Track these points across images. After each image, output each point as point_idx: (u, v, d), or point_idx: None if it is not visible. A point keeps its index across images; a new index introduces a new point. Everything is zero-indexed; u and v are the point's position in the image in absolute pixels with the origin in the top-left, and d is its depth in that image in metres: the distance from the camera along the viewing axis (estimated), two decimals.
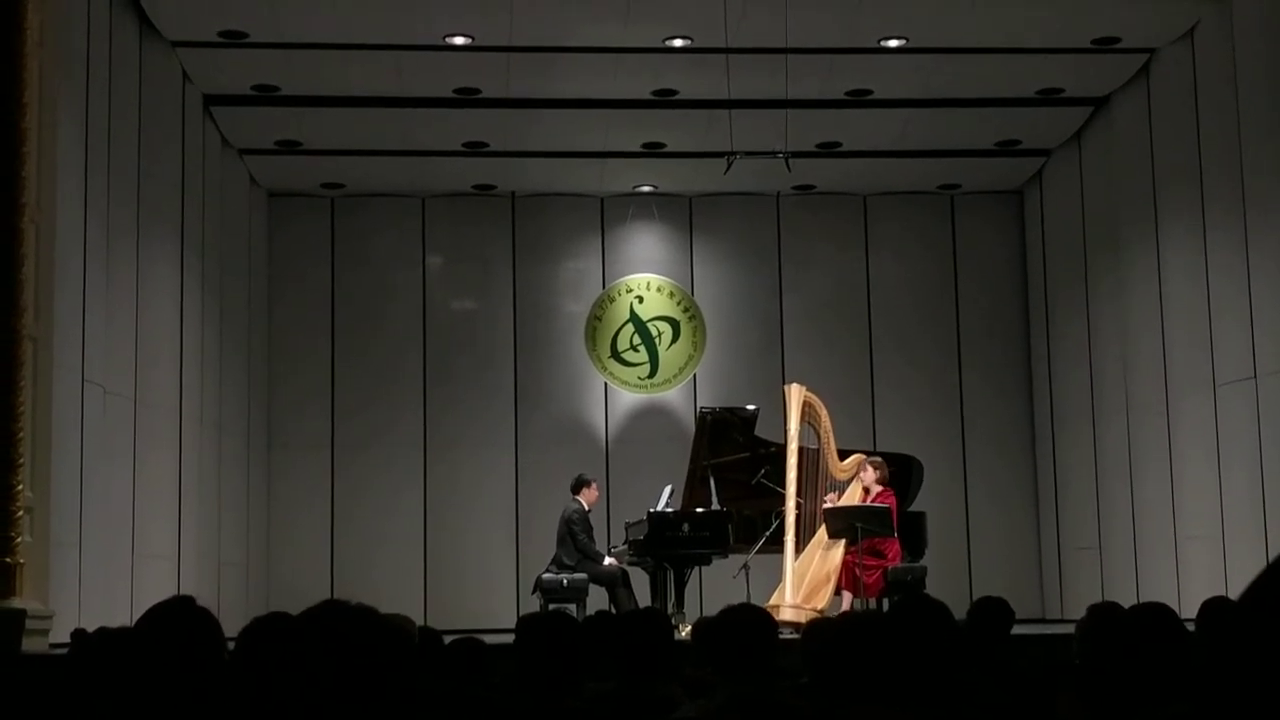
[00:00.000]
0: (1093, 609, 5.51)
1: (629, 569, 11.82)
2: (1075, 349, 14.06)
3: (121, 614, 9.70)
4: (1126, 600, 6.20)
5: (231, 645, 3.15)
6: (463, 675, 4.66)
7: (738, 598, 9.65)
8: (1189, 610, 6.17)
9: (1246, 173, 10.80)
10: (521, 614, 4.61)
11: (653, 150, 14.05)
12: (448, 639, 5.10)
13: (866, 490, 11.32)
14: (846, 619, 4.16)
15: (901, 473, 11.87)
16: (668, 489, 11.62)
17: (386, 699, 2.28)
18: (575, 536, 11.78)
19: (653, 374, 15.23)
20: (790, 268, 15.32)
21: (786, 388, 11.79)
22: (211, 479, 12.62)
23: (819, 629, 3.84)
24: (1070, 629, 6.28)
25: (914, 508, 11.93)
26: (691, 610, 11.17)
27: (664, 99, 12.88)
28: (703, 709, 3.62)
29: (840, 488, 11.50)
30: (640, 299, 15.31)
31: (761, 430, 11.87)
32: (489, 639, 5.23)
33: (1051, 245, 14.71)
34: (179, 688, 2.86)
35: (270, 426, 14.67)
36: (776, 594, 11.10)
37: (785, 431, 11.55)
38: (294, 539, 14.58)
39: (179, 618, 2.98)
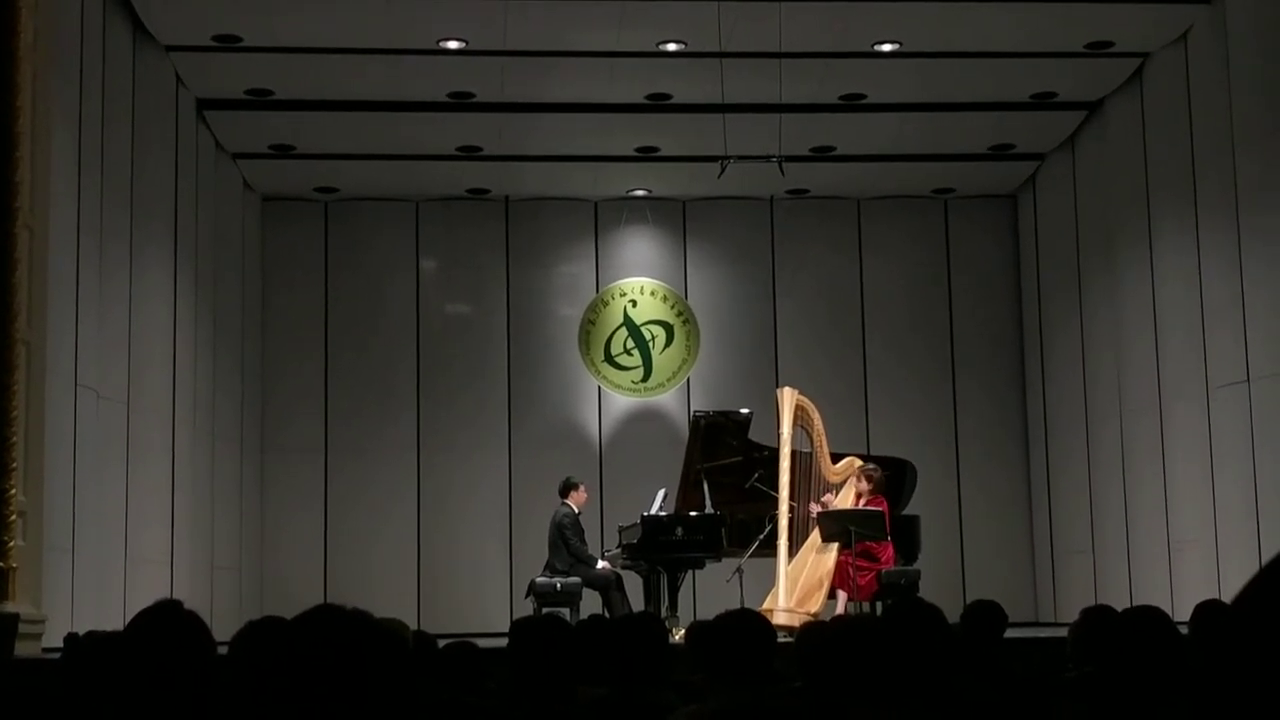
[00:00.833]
0: (1086, 612, 5.52)
1: (622, 573, 11.81)
2: (1068, 353, 14.07)
3: (114, 619, 9.68)
4: (1119, 603, 6.20)
5: (224, 649, 3.14)
6: (456, 680, 4.66)
7: (731, 601, 9.65)
8: (1182, 613, 6.17)
9: (1239, 177, 10.82)
10: (515, 618, 4.61)
11: (647, 154, 14.06)
12: (441, 643, 5.10)
13: (859, 496, 11.32)
14: (840, 622, 4.16)
15: (895, 476, 11.87)
16: (661, 493, 11.62)
17: (380, 703, 2.28)
18: (567, 541, 11.78)
19: (646, 378, 15.23)
20: (784, 272, 15.33)
21: (780, 391, 11.79)
22: (205, 483, 12.61)
23: (813, 633, 3.83)
24: (1063, 632, 6.28)
25: (907, 511, 11.92)
26: (685, 614, 11.17)
27: (658, 103, 12.89)
28: (696, 713, 3.62)
29: (836, 490, 11.50)
30: (634, 303, 15.31)
31: (755, 434, 11.87)
32: (483, 643, 5.23)
33: (1045, 249, 14.72)
34: (168, 692, 2.86)
35: (263, 430, 14.66)
36: (770, 598, 11.10)
37: (778, 435, 11.55)
38: (287, 543, 14.57)
39: (166, 622, 2.98)
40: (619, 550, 11.72)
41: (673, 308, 15.33)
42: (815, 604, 10.95)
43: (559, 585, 11.60)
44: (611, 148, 13.89)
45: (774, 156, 11.68)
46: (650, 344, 15.26)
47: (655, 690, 4.18)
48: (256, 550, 14.30)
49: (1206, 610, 5.14)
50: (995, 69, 12.32)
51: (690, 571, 11.61)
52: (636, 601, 11.67)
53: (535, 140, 13.65)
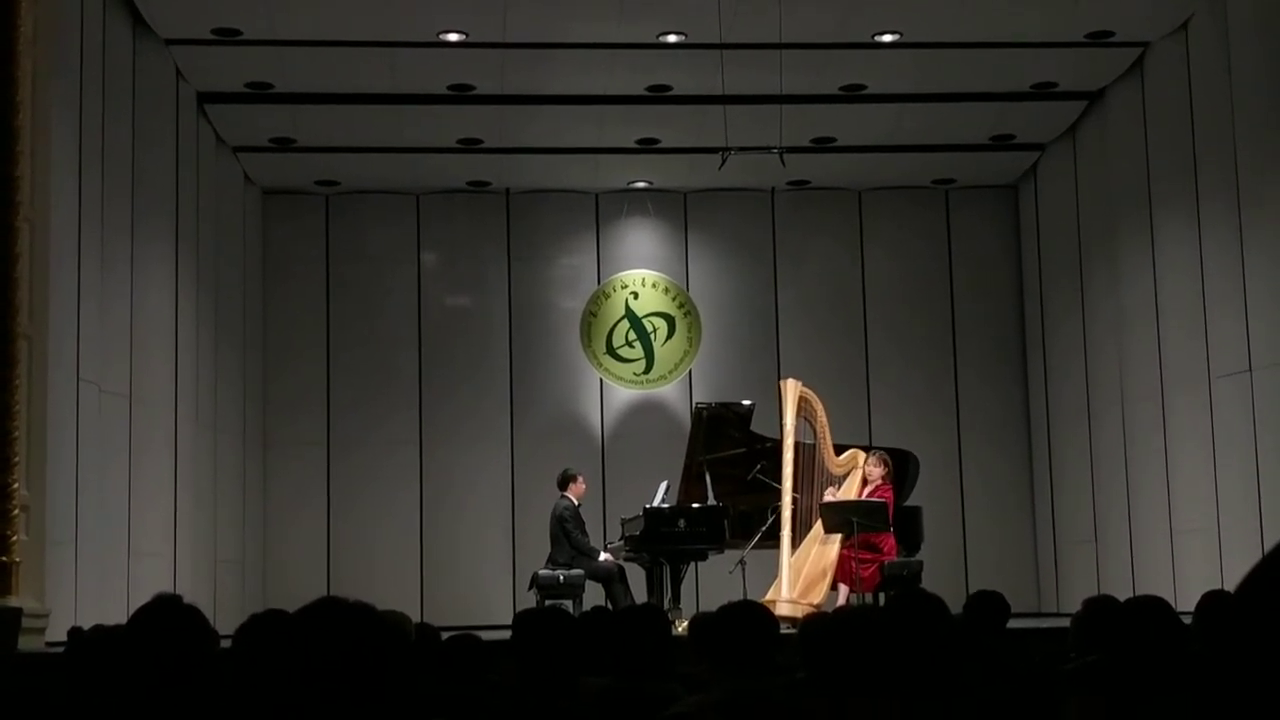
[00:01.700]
0: (1088, 602, 5.52)
1: (625, 565, 11.82)
2: (1070, 343, 14.06)
3: (117, 612, 9.69)
4: (1122, 593, 6.20)
5: (228, 643, 3.15)
6: (459, 672, 4.66)
7: (734, 593, 9.66)
8: (1185, 603, 6.18)
9: (1241, 166, 10.81)
10: (518, 610, 4.61)
11: (647, 146, 14.05)
12: (444, 635, 5.10)
13: (867, 482, 11.32)
14: (843, 614, 4.16)
15: (897, 467, 11.87)
16: (664, 485, 11.62)
17: (383, 696, 2.28)
18: (568, 534, 11.78)
19: (648, 370, 15.23)
20: (785, 263, 15.33)
21: (782, 383, 11.80)
22: (207, 476, 12.62)
23: (815, 624, 3.84)
24: (1066, 622, 6.29)
25: (910, 502, 11.93)
26: (688, 606, 11.19)
27: (658, 95, 12.88)
28: (699, 704, 3.62)
29: (839, 482, 11.50)
30: (635, 295, 15.31)
31: (757, 425, 11.87)
32: (486, 635, 5.24)
33: (1046, 239, 14.71)
34: (170, 685, 2.86)
35: (265, 423, 14.66)
36: (773, 589, 11.10)
37: (781, 427, 11.56)
38: (290, 536, 14.58)
39: (166, 617, 2.98)
40: (621, 542, 11.72)
41: (674, 299, 15.33)
42: (818, 595, 10.95)
43: (562, 577, 11.60)
44: (612, 139, 13.88)
45: (775, 148, 11.67)
46: (652, 336, 15.26)
47: (658, 682, 4.18)
48: (259, 544, 14.31)
49: (1212, 600, 5.14)
50: (996, 59, 12.31)
51: (693, 563, 11.61)
52: (639, 593, 11.68)
53: (535, 132, 13.64)
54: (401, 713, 2.40)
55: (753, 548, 11.29)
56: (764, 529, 11.33)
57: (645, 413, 15.10)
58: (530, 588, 11.81)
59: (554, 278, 15.26)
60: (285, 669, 2.28)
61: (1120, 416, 12.96)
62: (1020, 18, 11.47)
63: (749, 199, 15.22)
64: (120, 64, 10.76)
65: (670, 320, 15.30)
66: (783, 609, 10.61)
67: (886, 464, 11.39)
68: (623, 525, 11.88)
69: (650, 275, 15.33)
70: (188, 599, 3.02)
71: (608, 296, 15.28)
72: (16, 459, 8.26)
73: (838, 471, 11.51)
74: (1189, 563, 11.58)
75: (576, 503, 11.99)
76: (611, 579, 11.73)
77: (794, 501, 11.32)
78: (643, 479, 12.51)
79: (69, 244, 9.44)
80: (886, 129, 13.70)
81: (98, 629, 4.86)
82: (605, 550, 12.01)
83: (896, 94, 13.05)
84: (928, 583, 10.53)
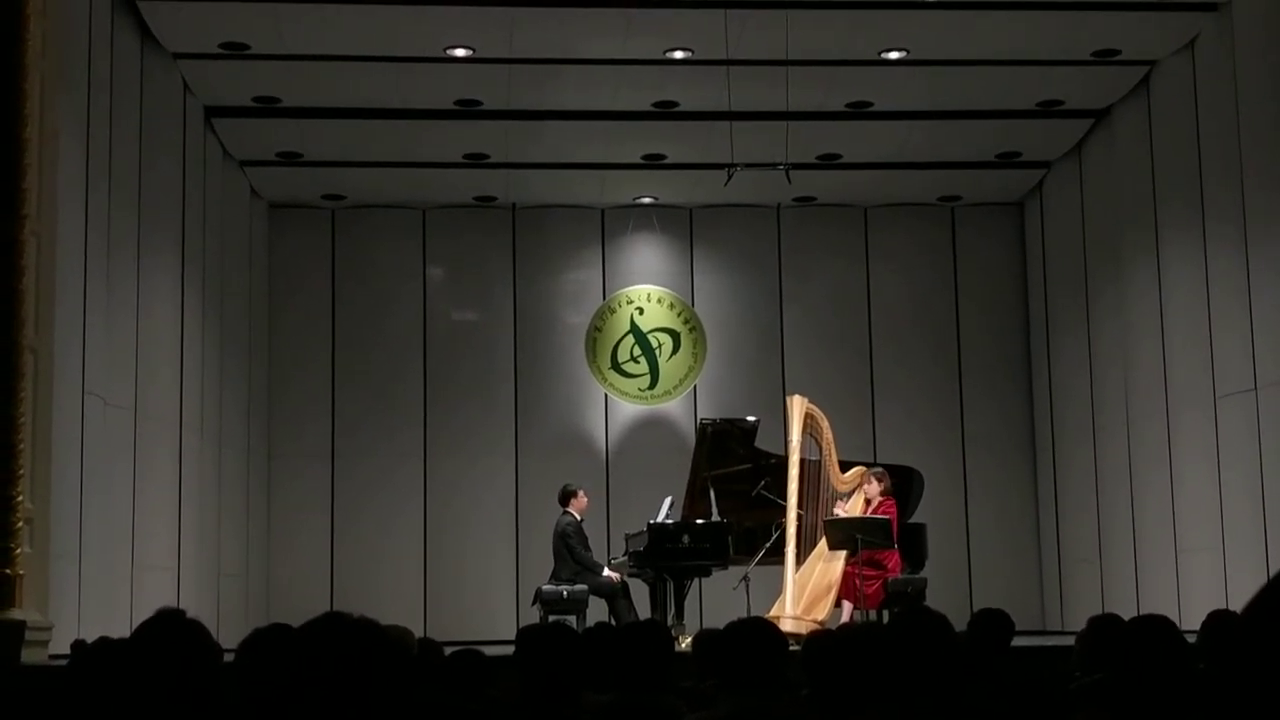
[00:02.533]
0: (1093, 620, 5.51)
1: (629, 580, 11.81)
2: (1075, 361, 14.05)
3: (121, 625, 9.69)
4: (1127, 612, 6.19)
5: (230, 657, 3.15)
6: (462, 687, 4.66)
7: (738, 609, 9.65)
8: (1189, 622, 6.17)
9: (1247, 184, 10.81)
10: (521, 625, 4.61)
11: (653, 162, 14.06)
12: (448, 650, 5.09)
13: (868, 501, 11.32)
14: (846, 631, 4.16)
15: (902, 484, 11.86)
16: (668, 500, 11.61)
17: (385, 711, 2.28)
18: (571, 550, 11.77)
19: (653, 385, 15.23)
20: (790, 279, 15.33)
21: (789, 399, 11.79)
22: (211, 490, 12.62)
23: (819, 641, 3.83)
24: (1071, 641, 6.27)
25: (914, 519, 11.92)
26: (691, 622, 11.16)
27: (665, 111, 12.89)
28: None
29: (846, 499, 11.49)
30: (641, 310, 15.31)
31: (761, 442, 11.87)
32: (489, 650, 5.23)
33: (1052, 257, 14.71)
34: (172, 700, 2.86)
35: (270, 437, 14.67)
36: (777, 605, 11.09)
37: (787, 443, 11.55)
38: (294, 550, 14.58)
39: (169, 630, 2.98)
40: (625, 558, 11.71)
41: (679, 315, 15.33)
42: (822, 612, 10.93)
43: (565, 593, 11.59)
44: (618, 155, 13.89)
45: (781, 164, 11.68)
46: (657, 351, 15.26)
47: (661, 697, 4.17)
48: (263, 557, 14.31)
49: (1217, 620, 5.13)
50: (1002, 77, 12.32)
51: (696, 579, 11.60)
52: (643, 609, 11.66)
53: (542, 148, 13.65)
54: None
55: (757, 564, 11.27)
56: (768, 545, 11.32)
57: (650, 428, 15.10)
58: (534, 603, 11.81)
59: (559, 293, 15.27)
60: (288, 683, 2.28)
61: (1125, 434, 12.94)
62: (1027, 36, 11.48)
63: (755, 215, 15.23)
64: (128, 78, 10.78)
65: (675, 336, 15.31)
66: (786, 626, 10.59)
67: (884, 479, 11.39)
68: (627, 541, 11.88)
69: (656, 291, 15.34)
70: (191, 612, 3.02)
71: (613, 312, 15.29)
72: (21, 471, 8.26)
73: (843, 488, 11.50)
74: (1194, 581, 11.56)
75: (579, 518, 11.99)
76: (615, 594, 11.72)
77: (799, 518, 11.31)
78: (647, 494, 12.52)
79: (75, 257, 9.45)
80: (893, 146, 13.71)
81: (101, 641, 4.85)
82: (609, 566, 12.00)
83: (903, 111, 13.06)
84: (932, 600, 10.51)
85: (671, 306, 15.34)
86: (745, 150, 12.08)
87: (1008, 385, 15.27)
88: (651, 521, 11.30)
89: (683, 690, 4.45)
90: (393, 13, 10.96)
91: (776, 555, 11.27)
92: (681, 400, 15.23)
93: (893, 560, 11.15)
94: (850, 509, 11.33)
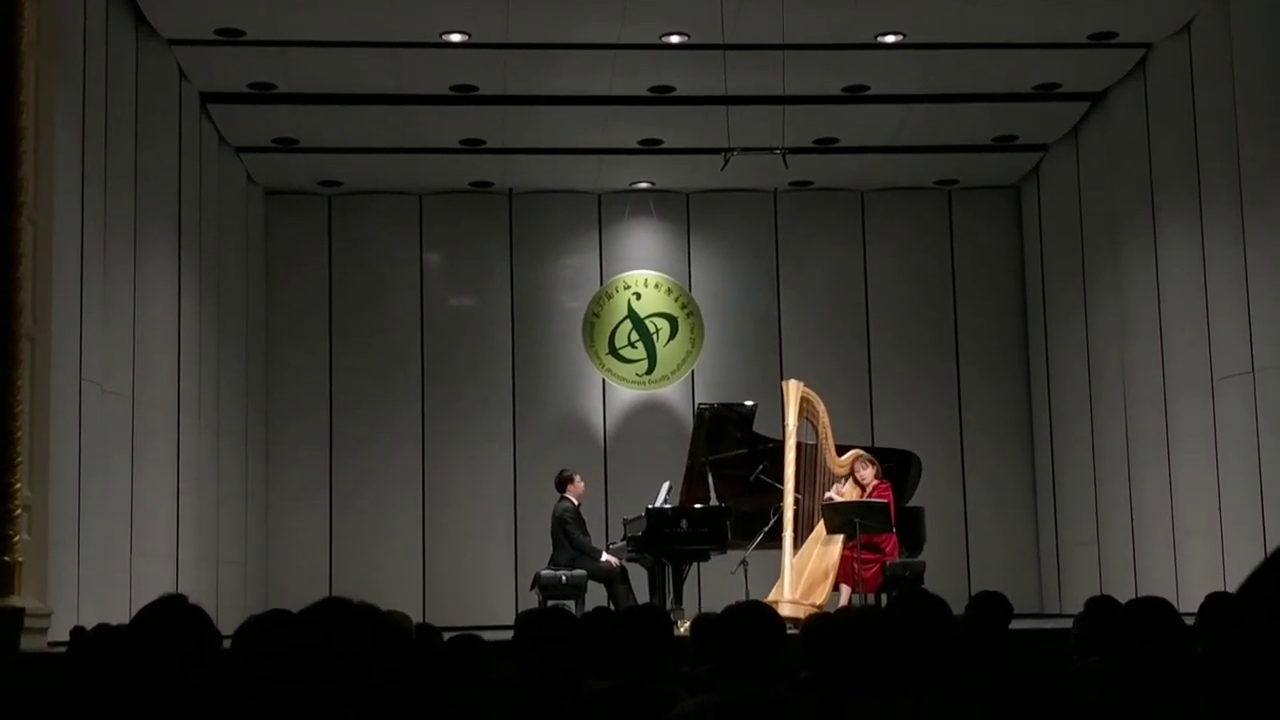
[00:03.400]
0: (1090, 603, 5.52)
1: (627, 565, 11.82)
2: (1073, 344, 14.06)
3: (120, 612, 9.70)
4: (1124, 594, 6.20)
5: (228, 644, 3.15)
6: (461, 673, 4.66)
7: (736, 594, 9.66)
8: (1187, 604, 6.17)
9: (1244, 167, 10.81)
10: (520, 611, 4.61)
11: (650, 147, 14.05)
12: (446, 636, 5.10)
13: (863, 487, 11.32)
14: (845, 614, 4.16)
15: (900, 468, 11.87)
16: (666, 485, 11.62)
17: (385, 697, 2.28)
18: (569, 535, 11.77)
19: (651, 370, 15.23)
20: (788, 264, 15.33)
21: (785, 383, 11.80)
22: (210, 476, 12.62)
23: (818, 624, 3.84)
24: (1068, 623, 6.29)
25: (912, 503, 11.93)
26: (690, 606, 11.18)
27: (661, 95, 12.88)
28: (701, 705, 3.62)
29: (842, 481, 11.50)
30: (638, 295, 15.31)
31: (759, 426, 11.88)
32: (488, 636, 5.23)
33: (1049, 240, 14.71)
34: (173, 686, 2.86)
35: (268, 424, 14.67)
36: (775, 589, 11.10)
37: (784, 427, 11.56)
38: (292, 537, 14.58)
39: (171, 616, 2.98)
40: (624, 543, 11.72)
41: (677, 300, 15.33)
42: (820, 596, 10.95)
43: (564, 578, 11.60)
44: (615, 140, 13.88)
45: (777, 148, 11.67)
46: (654, 336, 15.26)
47: (660, 682, 4.18)
48: (261, 544, 14.32)
49: (1214, 602, 5.13)
50: (998, 60, 12.30)
51: (695, 564, 11.61)
52: (641, 594, 11.67)
53: (538, 133, 13.64)
54: (402, 714, 2.40)
55: (755, 548, 11.29)
56: (766, 530, 11.33)
57: (648, 413, 15.10)
58: (532, 588, 11.82)
59: (557, 278, 15.26)
60: (288, 668, 2.28)
61: (1123, 417, 12.95)
62: (1023, 19, 11.46)
63: (752, 200, 15.22)
64: (123, 64, 10.76)
65: (673, 321, 15.30)
66: (785, 610, 10.60)
67: (874, 462, 11.40)
68: (625, 526, 11.89)
69: (653, 276, 15.33)
70: (190, 599, 3.02)
71: (610, 297, 15.28)
72: (19, 459, 8.26)
73: (840, 472, 11.51)
74: (1191, 564, 11.57)
75: (576, 503, 11.99)
76: (613, 579, 11.73)
77: (796, 502, 11.32)
78: (645, 479, 12.52)
79: (72, 245, 9.45)
80: (889, 130, 13.70)
81: (100, 628, 4.86)
82: (607, 551, 12.01)
83: (899, 95, 13.05)
84: (930, 583, 10.52)
85: (669, 292, 15.33)
86: (742, 135, 12.07)
87: (1005, 369, 15.28)
88: (650, 506, 11.31)
89: (681, 675, 4.46)
90: None
91: (774, 539, 11.29)
92: (679, 385, 15.23)
93: (891, 544, 11.16)
94: (845, 494, 11.34)
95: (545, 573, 11.70)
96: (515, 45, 11.78)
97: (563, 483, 12.07)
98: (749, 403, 12.06)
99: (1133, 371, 12.74)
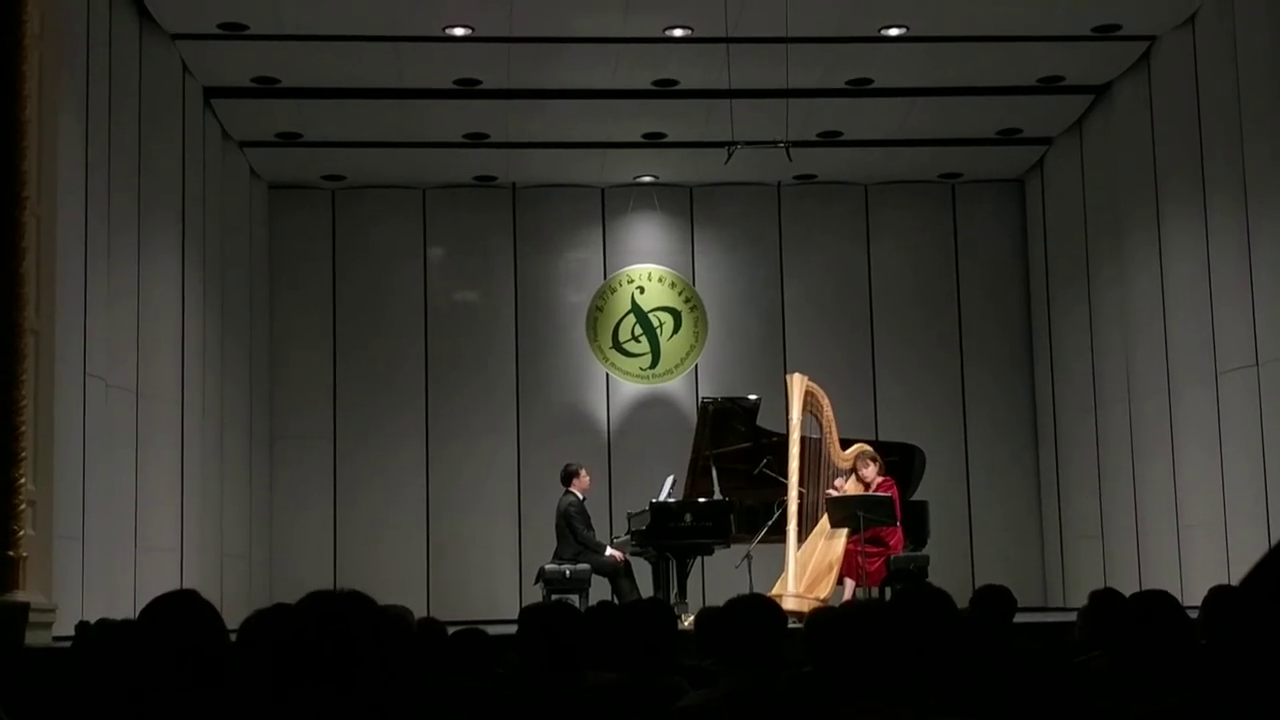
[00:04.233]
0: (1094, 596, 5.52)
1: (631, 559, 11.82)
2: (1077, 337, 14.05)
3: (125, 606, 9.69)
4: (1128, 587, 6.20)
5: (233, 637, 3.15)
6: (465, 666, 4.67)
7: (740, 588, 9.67)
8: (1191, 597, 6.18)
9: (1248, 160, 10.79)
10: (524, 605, 4.61)
11: (653, 140, 14.04)
12: (451, 630, 5.10)
13: (866, 485, 11.33)
14: (849, 608, 4.16)
15: (903, 462, 11.88)
16: (670, 479, 11.62)
17: (386, 688, 2.29)
18: (574, 530, 11.78)
19: (654, 364, 15.23)
20: (791, 257, 15.32)
21: (789, 377, 11.80)
22: (214, 471, 12.63)
23: (822, 618, 3.84)
24: (1072, 617, 6.29)
25: (916, 496, 11.94)
26: (694, 600, 11.18)
27: (664, 89, 12.87)
28: (705, 698, 3.62)
29: (845, 475, 11.50)
30: (641, 289, 15.30)
31: (763, 420, 11.87)
32: (492, 630, 5.23)
33: (1053, 233, 14.70)
34: (182, 681, 2.87)
35: (272, 418, 14.68)
36: (779, 583, 11.11)
37: (787, 421, 11.55)
38: (297, 530, 14.59)
39: (182, 612, 2.99)
40: (628, 537, 11.73)
41: (680, 294, 15.32)
42: (824, 589, 10.96)
43: (568, 572, 11.61)
44: (618, 134, 13.87)
45: (781, 142, 11.66)
46: (658, 330, 15.25)
47: (664, 675, 4.18)
48: (266, 538, 14.33)
49: (1218, 595, 5.13)
50: (1002, 53, 12.29)
51: (699, 558, 11.61)
52: (645, 588, 11.68)
53: (542, 127, 13.63)
54: (407, 707, 2.41)
55: (759, 542, 11.29)
56: (770, 524, 11.34)
57: (651, 407, 15.10)
58: (536, 582, 11.82)
59: (560, 272, 15.26)
60: (283, 664, 2.28)
61: (1127, 410, 12.94)
62: (1027, 11, 11.45)
63: (755, 193, 15.22)
64: (126, 59, 10.77)
65: (676, 315, 15.30)
66: (789, 603, 10.62)
67: (876, 459, 11.40)
68: (629, 520, 11.89)
69: (656, 270, 15.33)
70: (200, 595, 3.03)
71: (614, 291, 15.28)
72: (23, 453, 8.27)
73: (844, 466, 11.51)
74: (1195, 557, 11.57)
75: (581, 497, 11.99)
76: (617, 574, 11.74)
77: (800, 496, 11.32)
78: (649, 474, 12.52)
79: (75, 239, 9.45)
80: (893, 123, 13.69)
81: (105, 623, 4.86)
82: (611, 545, 12.01)
83: (903, 88, 13.04)
84: (934, 577, 10.53)
85: (672, 285, 15.33)
86: (745, 128, 12.06)
87: (1009, 362, 15.27)
88: (654, 500, 11.31)
89: (685, 668, 4.46)
90: None
91: (778, 533, 11.29)
92: (683, 379, 15.23)
93: (895, 537, 11.16)
94: (847, 490, 11.34)
95: (549, 567, 11.70)
96: (518, 39, 11.78)
97: (568, 477, 12.08)
98: (753, 397, 12.06)
99: (1136, 364, 12.73)
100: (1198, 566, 11.32)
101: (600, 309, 15.24)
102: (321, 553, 14.54)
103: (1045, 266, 14.84)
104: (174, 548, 11.53)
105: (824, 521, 11.22)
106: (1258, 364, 10.72)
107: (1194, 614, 4.42)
